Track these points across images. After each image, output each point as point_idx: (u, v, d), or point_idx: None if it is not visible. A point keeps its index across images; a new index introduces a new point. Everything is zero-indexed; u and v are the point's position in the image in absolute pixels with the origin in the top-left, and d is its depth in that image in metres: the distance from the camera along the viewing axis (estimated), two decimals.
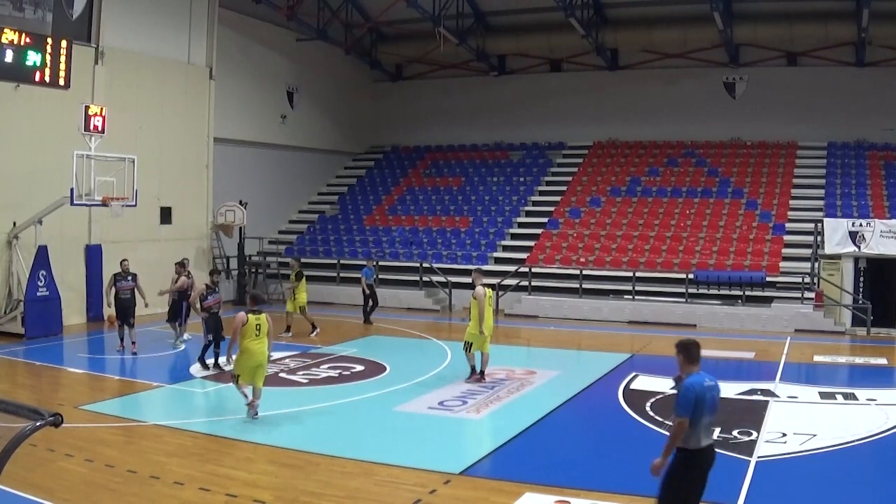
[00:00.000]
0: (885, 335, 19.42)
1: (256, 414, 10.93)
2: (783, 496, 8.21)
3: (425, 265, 24.46)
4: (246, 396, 11.03)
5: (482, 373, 13.52)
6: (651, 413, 11.40)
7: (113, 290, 15.94)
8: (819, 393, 12.89)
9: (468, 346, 13.50)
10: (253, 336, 10.85)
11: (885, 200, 23.49)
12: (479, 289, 13.58)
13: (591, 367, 15.16)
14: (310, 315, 18.52)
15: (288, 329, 18.10)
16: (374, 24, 29.51)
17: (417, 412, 11.58)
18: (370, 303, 20.91)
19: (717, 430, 9.82)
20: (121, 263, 16.37)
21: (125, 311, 15.75)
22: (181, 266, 16.89)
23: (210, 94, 23.84)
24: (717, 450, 9.07)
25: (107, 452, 9.48)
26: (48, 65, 16.49)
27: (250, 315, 10.93)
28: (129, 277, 16.09)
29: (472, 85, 31.78)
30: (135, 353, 15.50)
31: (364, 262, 22.47)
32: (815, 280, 20.97)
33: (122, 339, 15.87)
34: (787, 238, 23.12)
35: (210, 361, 14.28)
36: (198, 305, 14.93)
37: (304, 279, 18.91)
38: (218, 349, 14.29)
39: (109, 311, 16.70)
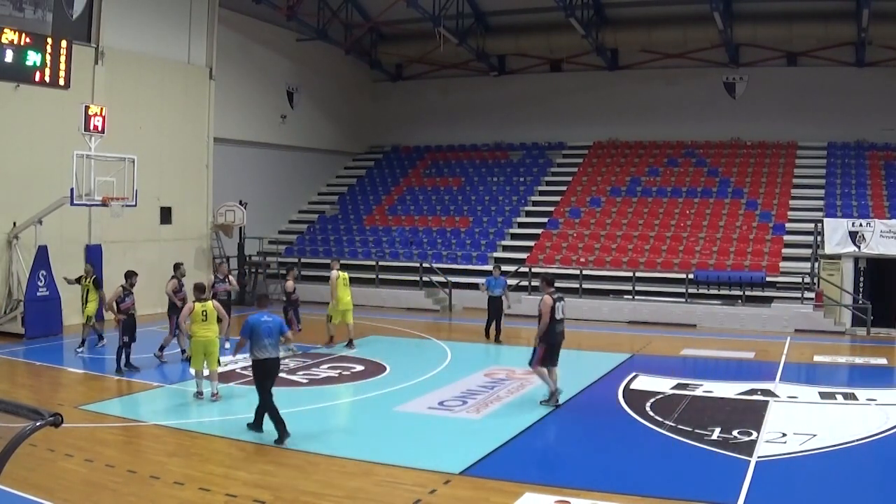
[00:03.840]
0: (885, 335, 19.42)
1: (215, 395, 12.05)
2: (783, 496, 8.21)
3: (425, 265, 24.46)
4: (197, 385, 12.17)
5: (350, 341, 16.53)
6: (651, 413, 11.40)
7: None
8: (819, 393, 12.89)
9: (329, 318, 16.68)
10: (199, 321, 12.08)
11: (885, 200, 23.50)
12: (332, 273, 16.70)
13: (591, 367, 15.14)
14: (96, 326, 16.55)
15: (100, 339, 16.46)
16: (374, 24, 29.51)
17: (417, 412, 11.58)
18: (493, 317, 18.31)
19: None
20: (180, 266, 16.01)
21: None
22: (289, 270, 17.11)
23: (210, 94, 23.84)
24: (718, 450, 9.12)
25: (107, 452, 9.48)
26: (48, 65, 16.50)
27: (196, 303, 12.18)
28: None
29: (472, 85, 31.79)
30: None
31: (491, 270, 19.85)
32: (815, 280, 20.96)
33: (163, 349, 15.25)
34: (787, 238, 23.12)
35: (124, 365, 13.97)
36: (114, 307, 14.20)
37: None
38: (129, 350, 14.05)
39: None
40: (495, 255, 25.57)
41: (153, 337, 16.11)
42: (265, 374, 10.06)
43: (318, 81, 30.43)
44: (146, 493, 8.05)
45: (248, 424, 10.18)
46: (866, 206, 23.13)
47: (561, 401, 12.25)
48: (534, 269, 23.41)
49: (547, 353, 11.73)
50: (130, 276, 14.50)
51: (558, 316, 11.74)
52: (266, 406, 9.99)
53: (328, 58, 30.14)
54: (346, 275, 16.97)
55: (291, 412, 11.58)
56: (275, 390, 12.73)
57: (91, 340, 16.35)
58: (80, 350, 15.89)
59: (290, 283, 16.46)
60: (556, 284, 22.66)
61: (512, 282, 23.28)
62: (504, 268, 23.98)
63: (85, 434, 10.16)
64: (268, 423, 10.08)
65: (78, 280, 16.72)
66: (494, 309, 18.12)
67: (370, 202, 29.94)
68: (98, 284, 16.45)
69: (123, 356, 14.00)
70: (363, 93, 33.28)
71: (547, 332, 11.65)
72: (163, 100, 22.30)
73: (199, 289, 12.63)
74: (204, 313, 12.11)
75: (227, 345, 16.18)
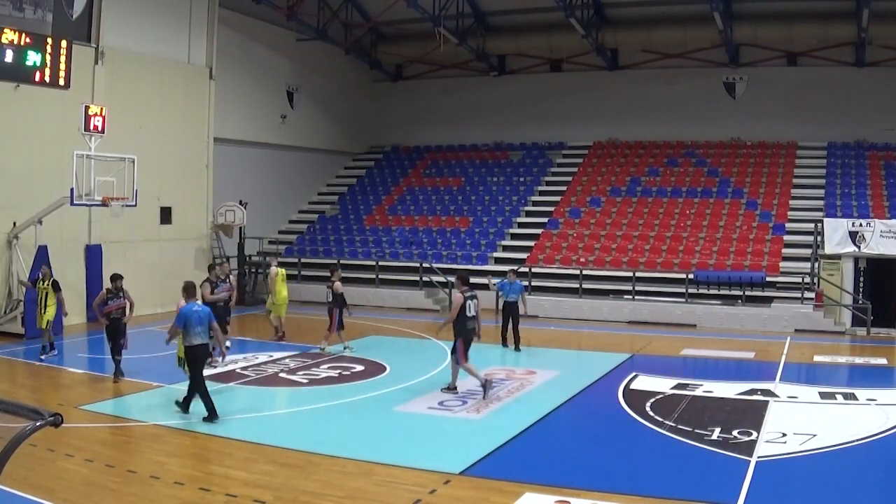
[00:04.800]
0: (885, 335, 19.42)
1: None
2: (783, 496, 8.21)
3: (425, 265, 24.45)
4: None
5: (278, 331, 17.71)
6: (651, 413, 11.40)
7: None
8: (819, 393, 12.89)
9: (268, 313, 18.01)
10: None
11: (885, 200, 23.50)
12: (271, 269, 17.82)
13: (591, 367, 15.15)
14: (51, 334, 15.56)
15: (51, 347, 15.42)
16: (374, 24, 29.52)
17: (417, 412, 11.58)
18: (507, 322, 17.00)
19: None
20: (212, 268, 16.03)
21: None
22: (333, 271, 16.99)
23: (210, 94, 23.84)
24: (718, 450, 9.15)
25: (107, 452, 9.49)
26: (48, 65, 16.49)
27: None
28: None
29: (472, 85, 31.79)
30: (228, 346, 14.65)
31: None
32: (815, 280, 20.96)
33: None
34: (787, 238, 23.12)
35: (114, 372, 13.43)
36: (99, 311, 13.73)
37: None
38: (119, 357, 13.49)
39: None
40: (495, 255, 25.58)
41: (150, 338, 16.10)
42: (196, 359, 11.00)
43: (318, 81, 30.43)
44: (146, 493, 8.05)
45: (176, 402, 11.19)
46: (866, 206, 23.13)
47: (561, 401, 12.27)
48: (534, 269, 23.43)
49: (462, 349, 12.39)
50: (115, 279, 13.96)
51: (469, 313, 12.38)
52: (198, 388, 10.99)
53: (328, 58, 30.14)
54: (283, 271, 18.01)
55: (292, 412, 11.65)
56: (275, 391, 12.92)
57: (39, 349, 15.32)
58: (43, 357, 15.04)
59: (337, 284, 16.47)
60: (555, 285, 23.19)
61: None
62: (504, 268, 24.12)
63: (85, 434, 10.16)
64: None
65: (34, 283, 15.81)
66: (509, 315, 16.93)
67: (370, 202, 29.94)
68: (56, 287, 15.41)
69: (113, 364, 13.51)
70: (363, 93, 33.27)
71: (459, 328, 12.36)
72: (163, 100, 22.30)
73: (186, 289, 12.20)
74: None
75: (228, 343, 16.41)
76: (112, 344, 13.62)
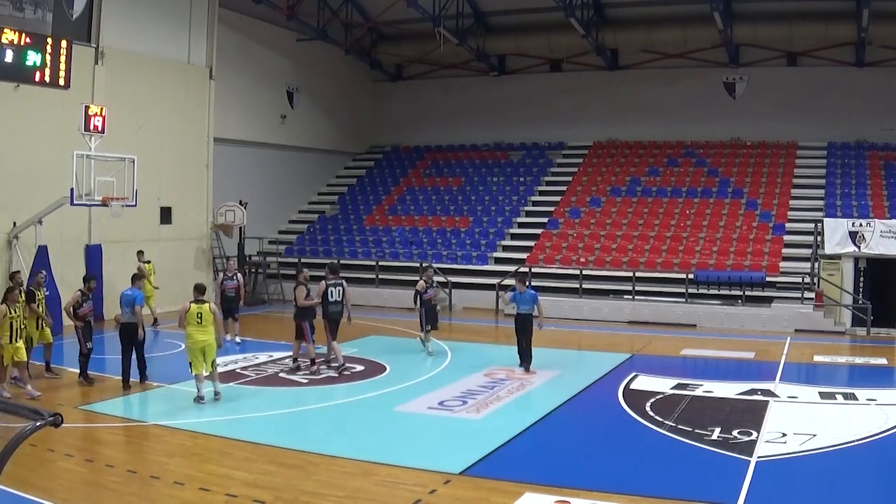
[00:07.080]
0: (885, 335, 19.41)
1: (217, 395, 12.05)
2: (783, 496, 8.21)
3: (425, 265, 24.42)
4: (198, 389, 11.85)
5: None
6: (651, 413, 11.40)
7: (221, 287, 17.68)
8: (819, 393, 12.89)
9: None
10: (195, 323, 11.80)
11: (885, 200, 23.50)
12: (140, 265, 18.62)
13: (591, 367, 15.15)
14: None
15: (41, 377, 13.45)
16: (374, 24, 29.53)
17: (417, 412, 11.58)
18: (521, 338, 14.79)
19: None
20: (299, 272, 16.07)
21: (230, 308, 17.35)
22: (425, 270, 17.52)
23: (210, 94, 23.83)
24: (718, 450, 9.14)
25: (107, 452, 9.49)
26: (48, 65, 16.49)
27: (193, 304, 11.91)
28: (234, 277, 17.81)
29: (472, 85, 31.79)
30: (239, 343, 17.18)
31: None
32: (815, 280, 20.96)
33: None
34: (787, 238, 23.13)
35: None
36: (71, 313, 13.17)
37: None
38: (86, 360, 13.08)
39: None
40: (495, 255, 25.59)
41: (149, 338, 16.03)
42: (122, 336, 12.76)
43: (318, 81, 30.43)
44: (146, 493, 8.05)
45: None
46: (866, 206, 23.13)
47: (561, 401, 12.27)
48: (534, 269, 23.43)
49: (327, 328, 14.27)
50: (88, 280, 13.61)
51: (332, 298, 14.17)
52: (123, 361, 12.62)
53: (328, 58, 30.15)
54: (151, 265, 19.98)
55: (292, 412, 11.64)
56: (275, 391, 12.94)
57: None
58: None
59: (421, 283, 16.54)
60: (555, 285, 23.18)
61: (511, 282, 22.89)
62: (504, 268, 24.18)
63: (85, 434, 10.17)
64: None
65: (30, 297, 13.11)
66: (522, 329, 14.65)
67: (370, 202, 29.94)
68: (31, 298, 13.15)
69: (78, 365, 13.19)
70: (363, 93, 33.28)
71: (324, 311, 14.20)
72: (163, 100, 22.28)
73: (198, 289, 12.20)
74: (199, 315, 11.75)
75: (228, 337, 16.72)
76: (91, 345, 13.19)
